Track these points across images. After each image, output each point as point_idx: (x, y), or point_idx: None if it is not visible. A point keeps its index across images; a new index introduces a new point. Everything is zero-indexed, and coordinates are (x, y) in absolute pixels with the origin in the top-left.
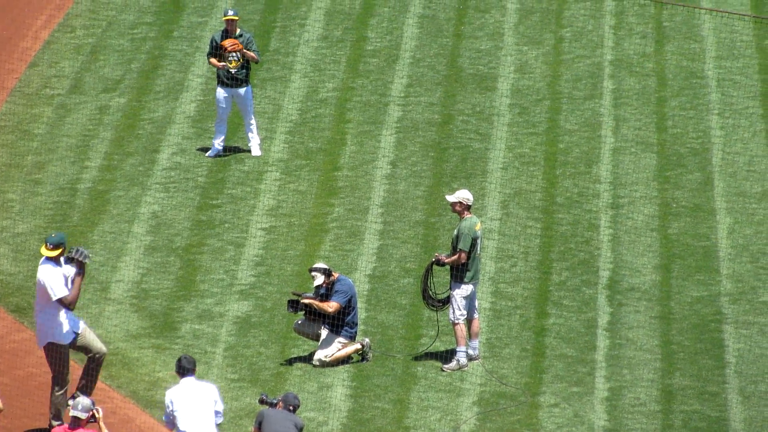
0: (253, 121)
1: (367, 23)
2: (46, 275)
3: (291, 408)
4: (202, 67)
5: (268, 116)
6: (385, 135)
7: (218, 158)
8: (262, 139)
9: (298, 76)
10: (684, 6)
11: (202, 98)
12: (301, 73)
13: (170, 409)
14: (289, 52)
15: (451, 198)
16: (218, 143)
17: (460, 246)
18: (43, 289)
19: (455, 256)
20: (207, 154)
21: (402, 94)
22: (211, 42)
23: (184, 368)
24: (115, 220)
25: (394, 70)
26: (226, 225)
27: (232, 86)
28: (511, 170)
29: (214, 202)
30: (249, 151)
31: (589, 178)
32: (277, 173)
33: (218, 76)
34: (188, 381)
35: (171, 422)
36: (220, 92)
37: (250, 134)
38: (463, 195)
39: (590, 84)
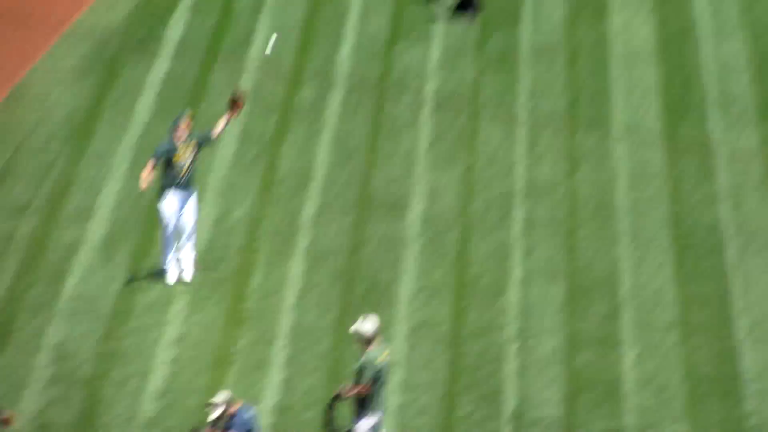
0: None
1: (280, 147)
2: None
3: None
4: (112, 192)
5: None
6: (294, 263)
7: (122, 288)
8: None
9: (211, 195)
10: (596, 132)
11: (109, 226)
12: (213, 192)
13: None
14: (202, 168)
15: (351, 330)
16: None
17: (364, 378)
18: None
19: (358, 388)
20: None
21: (311, 221)
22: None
23: None
24: (16, 351)
25: (304, 196)
26: (130, 356)
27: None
28: (420, 299)
29: (118, 332)
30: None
31: (496, 309)
32: (183, 303)
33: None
34: None
35: None
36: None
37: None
38: (362, 328)
39: (501, 212)
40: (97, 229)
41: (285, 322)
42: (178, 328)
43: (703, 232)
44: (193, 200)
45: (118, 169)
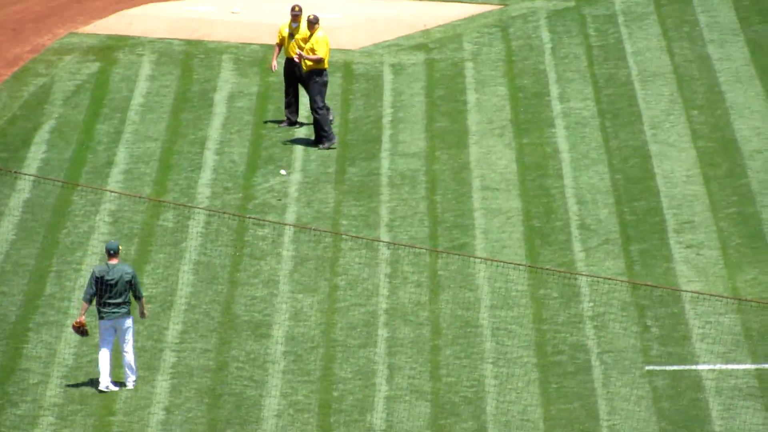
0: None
1: (143, 269)
2: None
3: None
4: None
5: (43, 361)
6: (160, 381)
7: None
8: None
9: (73, 321)
10: (459, 255)
11: None
12: (76, 317)
13: None
14: (64, 296)
15: None
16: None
17: None
18: None
19: None
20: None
21: (177, 340)
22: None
23: None
24: None
25: (169, 316)
26: None
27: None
28: (285, 417)
29: None
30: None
31: (362, 426)
32: (52, 417)
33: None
34: None
35: None
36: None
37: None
38: None
39: (365, 332)
40: None
41: None
42: None
43: (569, 351)
44: None
45: None
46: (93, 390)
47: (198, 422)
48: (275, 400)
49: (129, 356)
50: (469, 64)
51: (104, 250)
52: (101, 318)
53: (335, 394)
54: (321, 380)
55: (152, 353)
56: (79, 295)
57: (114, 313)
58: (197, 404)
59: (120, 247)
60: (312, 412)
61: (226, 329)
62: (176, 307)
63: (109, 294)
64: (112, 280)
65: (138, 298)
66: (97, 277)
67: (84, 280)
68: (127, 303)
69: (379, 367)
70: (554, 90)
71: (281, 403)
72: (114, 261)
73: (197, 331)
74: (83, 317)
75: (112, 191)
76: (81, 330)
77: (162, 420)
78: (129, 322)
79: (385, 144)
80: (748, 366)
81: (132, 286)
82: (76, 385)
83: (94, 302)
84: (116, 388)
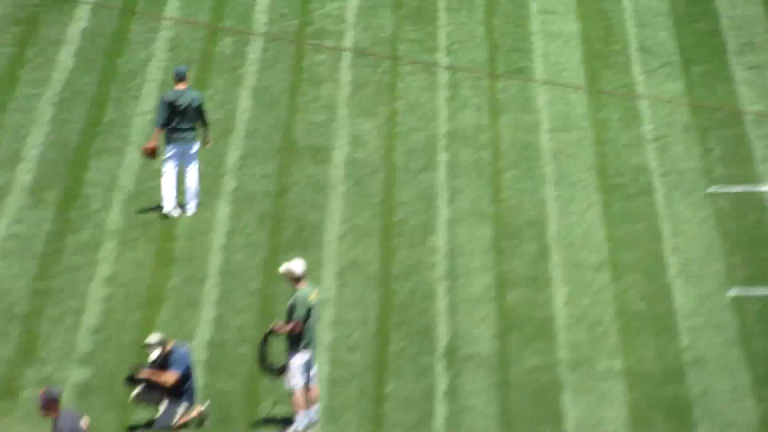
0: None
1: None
2: None
3: None
4: (38, 137)
5: (105, 186)
6: (221, 206)
7: (54, 229)
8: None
9: (134, 147)
10: (519, 79)
11: (38, 168)
12: (136, 144)
13: None
14: (124, 123)
15: (281, 270)
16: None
17: (295, 315)
18: None
19: (291, 325)
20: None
21: (236, 166)
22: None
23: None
24: None
25: (229, 142)
26: (65, 293)
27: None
28: (347, 241)
29: (52, 271)
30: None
31: (424, 249)
32: (114, 243)
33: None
34: None
35: None
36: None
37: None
38: (291, 267)
39: (425, 156)
40: (25, 173)
41: (214, 262)
42: (110, 267)
43: (630, 174)
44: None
45: (44, 116)
46: (155, 215)
47: (259, 246)
48: (336, 224)
49: (192, 181)
50: None
51: (172, 75)
52: (168, 142)
53: (397, 217)
54: (382, 204)
55: (213, 178)
56: (138, 121)
57: (182, 138)
58: (258, 229)
59: (188, 72)
60: (373, 235)
61: (286, 154)
62: (236, 133)
63: (179, 119)
64: (182, 105)
65: (205, 124)
66: (167, 102)
67: (143, 107)
68: (195, 128)
69: (440, 190)
70: None
71: (342, 227)
72: (182, 86)
73: (257, 156)
74: (154, 143)
75: (169, 18)
76: (151, 153)
77: (223, 245)
78: (195, 147)
79: None
80: None
81: (201, 112)
82: (138, 211)
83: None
84: (178, 214)
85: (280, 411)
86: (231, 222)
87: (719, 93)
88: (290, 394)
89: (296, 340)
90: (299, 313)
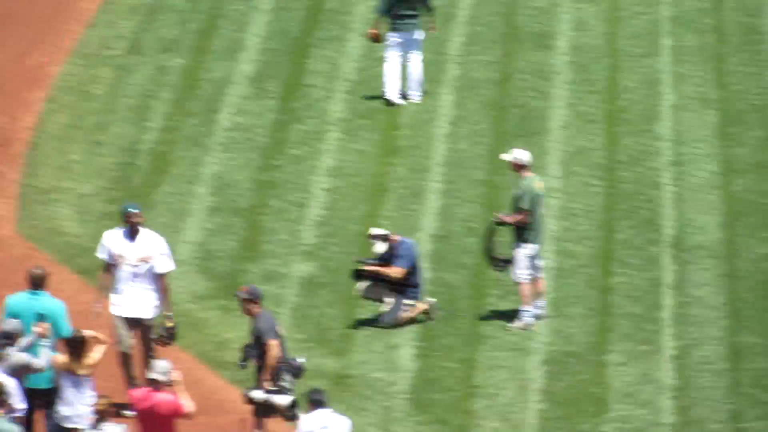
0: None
1: None
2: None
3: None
4: (259, 26)
5: (327, 76)
6: (444, 93)
7: (276, 119)
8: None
9: (355, 35)
10: None
11: (260, 58)
12: (358, 32)
13: None
14: (345, 11)
15: (506, 158)
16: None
17: (522, 205)
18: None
19: (518, 216)
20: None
21: (459, 53)
22: None
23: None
24: (177, 181)
25: (451, 29)
26: (288, 185)
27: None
28: (572, 128)
29: (275, 162)
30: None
31: (650, 135)
32: (338, 133)
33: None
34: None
35: None
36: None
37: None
38: (517, 155)
39: (649, 40)
40: (247, 63)
41: (439, 151)
42: (333, 158)
43: None
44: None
45: (265, 4)
46: (378, 104)
47: (483, 134)
48: (561, 110)
49: (415, 69)
50: None
51: None
52: (392, 30)
53: (621, 103)
54: (606, 90)
55: (436, 66)
56: (359, 9)
57: (405, 25)
58: (482, 117)
59: None
60: (598, 122)
61: (509, 41)
62: (458, 19)
63: (402, 6)
64: None
65: (429, 10)
66: None
67: None
68: (418, 15)
69: (664, 75)
70: None
71: (567, 114)
72: None
73: (480, 43)
74: (376, 30)
75: None
76: (375, 40)
77: (447, 133)
78: (419, 34)
79: None
80: None
81: None
82: (361, 100)
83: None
84: (402, 102)
85: (506, 304)
86: (455, 110)
87: None
88: (517, 286)
89: (523, 231)
90: (526, 203)
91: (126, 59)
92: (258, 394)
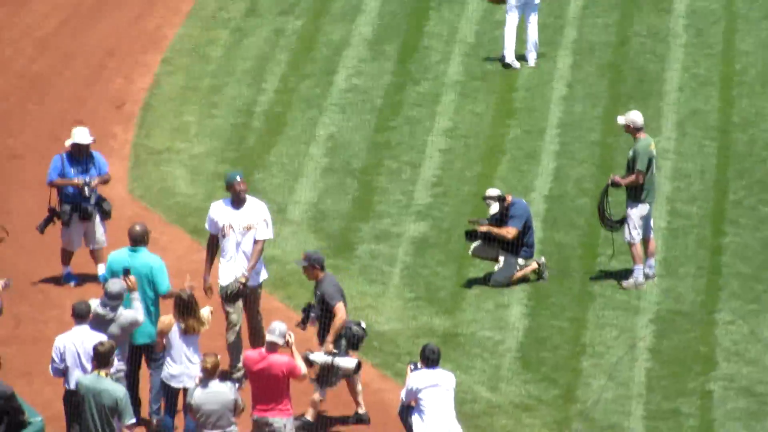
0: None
1: None
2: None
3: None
4: None
5: (445, 38)
6: (561, 56)
7: (393, 81)
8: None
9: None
10: None
11: (378, 21)
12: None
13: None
14: None
15: (621, 120)
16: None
17: (638, 166)
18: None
19: (632, 177)
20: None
21: (577, 16)
22: None
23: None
24: (291, 142)
25: None
26: (403, 146)
27: None
28: (687, 91)
29: (390, 123)
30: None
31: (764, 98)
32: (454, 95)
33: None
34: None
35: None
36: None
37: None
38: (632, 117)
39: (766, 4)
40: (365, 25)
41: (554, 113)
42: (449, 119)
43: None
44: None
45: None
46: (495, 67)
47: (600, 96)
48: (677, 73)
49: (532, 32)
50: None
51: None
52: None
53: (737, 66)
54: (723, 53)
55: (554, 29)
56: None
57: None
58: (599, 79)
59: None
60: (714, 84)
61: (627, 4)
62: None
63: None
64: None
65: None
66: None
67: None
68: None
69: None
70: None
71: (683, 77)
72: None
73: (598, 6)
74: None
75: None
76: (495, 1)
77: (564, 95)
78: None
79: None
80: None
81: None
82: (478, 62)
83: None
84: (518, 65)
85: (618, 264)
86: (571, 73)
87: None
88: (629, 246)
89: (637, 192)
90: (641, 164)
91: (243, 21)
92: (320, 357)
